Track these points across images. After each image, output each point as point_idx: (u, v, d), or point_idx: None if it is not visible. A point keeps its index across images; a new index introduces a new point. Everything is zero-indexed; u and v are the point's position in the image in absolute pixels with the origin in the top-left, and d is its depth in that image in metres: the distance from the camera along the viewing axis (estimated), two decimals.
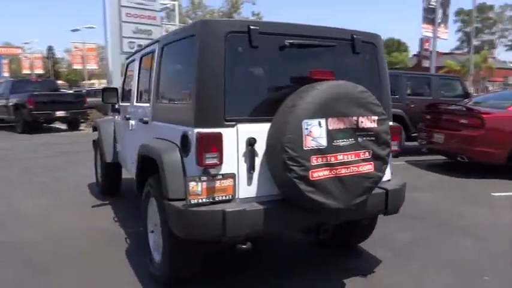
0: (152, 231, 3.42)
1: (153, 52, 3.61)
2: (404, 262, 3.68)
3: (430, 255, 3.83)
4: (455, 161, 7.72)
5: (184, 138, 2.76)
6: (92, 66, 38.56)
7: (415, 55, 56.68)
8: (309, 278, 3.35)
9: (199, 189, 2.59)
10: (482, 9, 65.97)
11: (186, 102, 2.83)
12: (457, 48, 64.50)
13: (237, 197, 2.70)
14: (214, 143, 2.61)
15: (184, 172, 2.78)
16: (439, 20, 14.86)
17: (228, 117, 2.66)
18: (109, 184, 5.70)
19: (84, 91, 22.03)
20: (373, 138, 2.76)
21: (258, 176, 2.76)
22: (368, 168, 2.75)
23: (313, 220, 2.90)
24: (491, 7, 67.57)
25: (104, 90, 4.94)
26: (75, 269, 3.53)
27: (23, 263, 3.66)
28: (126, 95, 4.77)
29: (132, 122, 4.15)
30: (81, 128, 15.57)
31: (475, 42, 65.77)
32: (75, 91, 23.64)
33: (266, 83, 2.91)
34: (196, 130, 2.62)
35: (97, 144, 5.90)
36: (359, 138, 2.71)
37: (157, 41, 3.57)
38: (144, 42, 17.66)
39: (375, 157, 2.77)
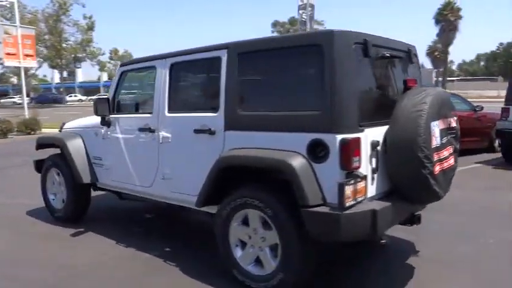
0: (237, 245, 3.30)
1: (212, 59, 3.46)
2: (425, 239, 4.31)
3: (434, 231, 4.57)
4: None
5: (318, 144, 2.82)
6: None
7: None
8: (377, 270, 3.71)
9: (349, 192, 2.73)
10: (293, 22, 74.79)
11: (312, 110, 2.88)
12: None
13: (367, 196, 2.91)
14: (357, 147, 2.78)
15: (316, 178, 2.85)
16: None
17: (360, 122, 2.85)
18: (78, 208, 4.97)
19: None
20: (454, 135, 3.31)
21: (377, 175, 3.02)
22: (452, 161, 3.30)
23: (411, 210, 3.31)
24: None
25: (97, 101, 4.32)
26: None
27: None
28: (131, 106, 4.36)
29: (163, 133, 3.81)
30: None
31: None
32: None
33: (376, 89, 3.16)
34: (341, 136, 2.74)
35: (52, 164, 5.07)
36: (449, 136, 3.22)
37: (221, 48, 3.41)
38: None
39: (455, 151, 3.33)
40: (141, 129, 4.02)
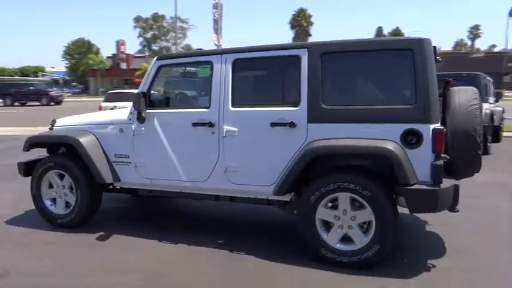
0: (321, 226, 3.65)
1: (289, 57, 3.75)
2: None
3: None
4: None
5: (410, 133, 3.38)
6: None
7: (109, 57, 57.79)
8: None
9: (441, 171, 3.36)
10: (157, 18, 72.96)
11: (405, 104, 3.42)
12: (140, 52, 69.30)
13: None
14: (443, 134, 3.42)
15: (409, 161, 3.40)
16: (219, 30, 16.76)
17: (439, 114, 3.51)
18: (89, 212, 4.62)
19: None
20: None
21: None
22: None
23: None
24: (163, 17, 75.04)
25: (137, 96, 4.10)
26: None
27: None
28: (170, 101, 4.41)
29: (227, 127, 3.90)
30: None
31: (154, 47, 72.67)
32: None
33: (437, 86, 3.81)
34: (433, 126, 3.36)
35: (55, 165, 4.60)
36: None
37: (300, 47, 3.70)
38: None
39: None
40: (196, 124, 4.02)
